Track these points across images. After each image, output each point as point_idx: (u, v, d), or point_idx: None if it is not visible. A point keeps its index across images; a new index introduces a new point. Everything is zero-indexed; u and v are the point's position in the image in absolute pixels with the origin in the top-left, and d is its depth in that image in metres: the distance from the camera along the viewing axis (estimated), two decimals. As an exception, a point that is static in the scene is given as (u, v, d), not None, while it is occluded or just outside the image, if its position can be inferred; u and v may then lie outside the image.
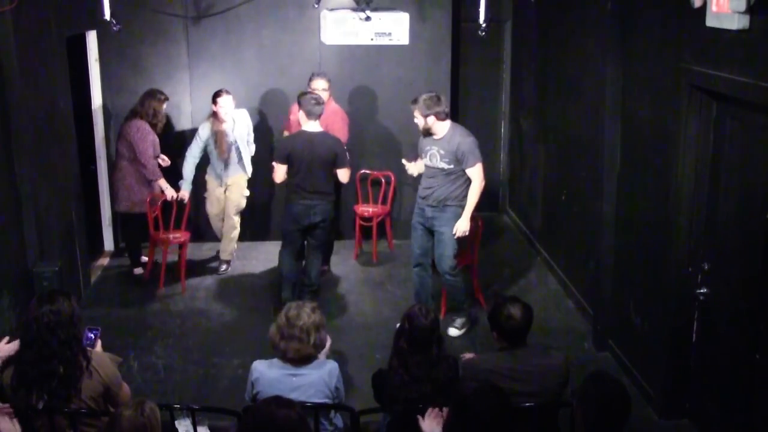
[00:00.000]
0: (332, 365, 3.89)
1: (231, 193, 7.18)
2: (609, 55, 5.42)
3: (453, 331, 6.05)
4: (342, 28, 7.49)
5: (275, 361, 3.85)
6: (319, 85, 6.79)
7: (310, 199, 6.10)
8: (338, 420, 3.95)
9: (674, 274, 4.74)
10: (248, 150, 7.15)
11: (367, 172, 7.76)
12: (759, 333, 3.99)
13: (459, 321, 6.15)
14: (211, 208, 7.31)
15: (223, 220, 7.30)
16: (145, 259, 7.28)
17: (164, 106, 6.98)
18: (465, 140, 5.79)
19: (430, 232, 6.01)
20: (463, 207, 5.84)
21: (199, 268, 7.44)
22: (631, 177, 5.39)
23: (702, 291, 4.60)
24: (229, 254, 7.38)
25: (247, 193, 7.29)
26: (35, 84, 5.83)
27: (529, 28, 7.89)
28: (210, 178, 7.21)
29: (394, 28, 7.52)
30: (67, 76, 6.56)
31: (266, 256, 7.65)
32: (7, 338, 3.87)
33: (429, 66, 7.76)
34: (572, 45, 6.63)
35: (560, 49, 7.01)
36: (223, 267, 7.35)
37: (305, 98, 6.11)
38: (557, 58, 7.11)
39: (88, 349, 3.74)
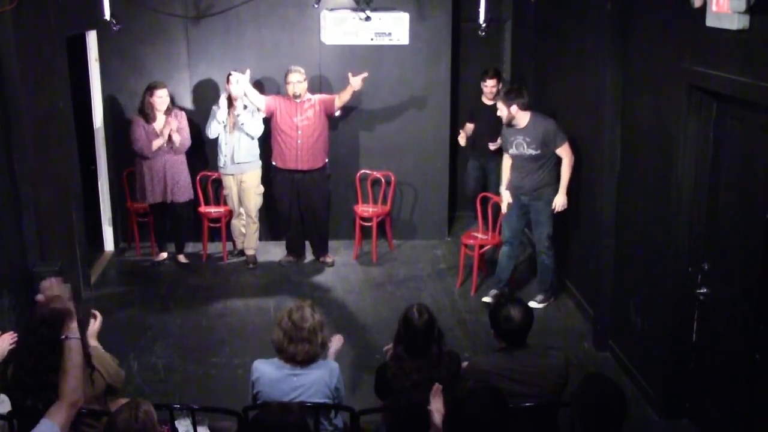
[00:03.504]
0: (333, 365, 3.89)
1: (245, 193, 7.37)
2: (609, 55, 5.42)
3: (533, 304, 6.29)
4: (342, 28, 7.50)
5: (276, 360, 3.84)
6: (295, 78, 6.96)
7: None
8: (338, 420, 3.95)
9: (674, 274, 4.74)
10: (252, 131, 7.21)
11: (367, 172, 7.76)
12: (759, 333, 3.99)
13: (540, 296, 6.58)
14: (233, 205, 7.54)
15: (240, 217, 7.56)
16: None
17: (155, 94, 6.95)
18: (548, 123, 6.24)
19: (524, 213, 6.51)
20: (555, 191, 6.27)
21: (199, 268, 7.46)
22: (631, 177, 5.39)
23: (702, 291, 4.60)
24: (254, 248, 7.59)
25: (262, 189, 7.43)
26: (35, 84, 5.83)
27: (529, 28, 7.89)
28: (224, 176, 7.38)
29: (394, 28, 7.53)
30: (67, 76, 6.57)
31: (266, 256, 7.67)
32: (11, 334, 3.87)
33: (429, 66, 7.76)
34: (572, 45, 6.63)
35: (560, 49, 7.00)
36: (252, 260, 7.56)
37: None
38: (557, 58, 7.11)
39: (90, 348, 3.73)
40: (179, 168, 7.16)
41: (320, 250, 7.55)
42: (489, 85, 7.45)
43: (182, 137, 7.06)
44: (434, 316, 3.89)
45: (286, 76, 7.01)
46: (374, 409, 3.96)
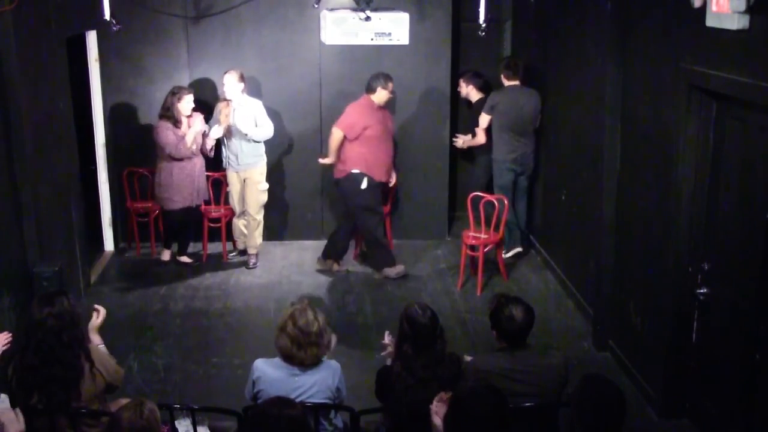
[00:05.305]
0: (335, 365, 3.89)
1: (248, 189, 7.33)
2: (609, 55, 5.42)
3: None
4: (342, 28, 7.49)
5: (277, 360, 3.83)
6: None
7: None
8: (338, 420, 3.95)
9: (674, 274, 4.75)
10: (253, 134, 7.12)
11: (367, 172, 7.74)
12: (759, 333, 4.00)
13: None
14: (234, 203, 7.48)
15: (244, 216, 7.47)
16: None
17: (183, 99, 6.95)
18: None
19: None
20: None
21: (199, 268, 7.46)
22: (631, 177, 5.39)
23: (702, 291, 4.60)
24: (255, 248, 7.52)
25: (266, 186, 7.40)
26: (35, 84, 5.83)
27: (529, 28, 7.89)
28: (228, 172, 7.34)
29: (394, 28, 7.52)
30: (67, 76, 6.57)
31: (265, 256, 7.66)
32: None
33: (429, 66, 7.76)
34: (572, 45, 6.63)
35: (560, 49, 7.01)
36: (252, 260, 7.51)
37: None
38: (557, 58, 7.11)
39: (90, 346, 3.74)
40: (203, 170, 7.25)
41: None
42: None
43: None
44: (435, 313, 3.91)
45: (386, 83, 6.90)
46: (374, 409, 3.95)
